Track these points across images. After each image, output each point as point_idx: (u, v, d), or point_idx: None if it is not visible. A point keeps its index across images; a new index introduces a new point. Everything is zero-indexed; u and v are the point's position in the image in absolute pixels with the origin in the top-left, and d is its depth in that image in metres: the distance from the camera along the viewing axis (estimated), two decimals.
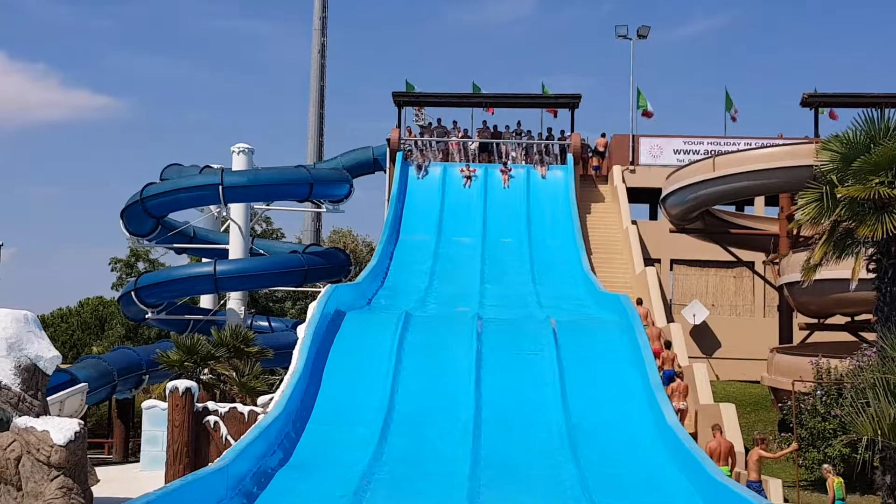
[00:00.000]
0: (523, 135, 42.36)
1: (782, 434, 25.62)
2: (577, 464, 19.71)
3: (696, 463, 18.41)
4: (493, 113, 44.65)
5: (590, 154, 42.79)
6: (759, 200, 43.30)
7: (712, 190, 36.70)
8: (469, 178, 39.52)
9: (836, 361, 25.41)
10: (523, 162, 41.46)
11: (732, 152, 37.50)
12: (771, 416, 29.47)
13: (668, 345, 26.49)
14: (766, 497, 18.78)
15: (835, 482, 19.59)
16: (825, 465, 20.29)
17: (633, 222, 38.51)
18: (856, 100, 37.67)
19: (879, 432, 15.22)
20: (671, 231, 40.90)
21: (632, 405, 22.28)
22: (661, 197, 39.96)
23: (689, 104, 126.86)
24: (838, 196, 18.49)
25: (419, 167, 40.63)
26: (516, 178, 40.34)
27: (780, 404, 29.19)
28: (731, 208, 43.50)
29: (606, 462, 19.87)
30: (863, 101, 35.41)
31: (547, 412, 22.23)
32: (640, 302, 29.52)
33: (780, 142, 38.86)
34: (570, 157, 40.75)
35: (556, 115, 44.57)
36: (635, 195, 42.53)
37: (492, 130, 42.60)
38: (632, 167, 42.74)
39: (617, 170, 41.84)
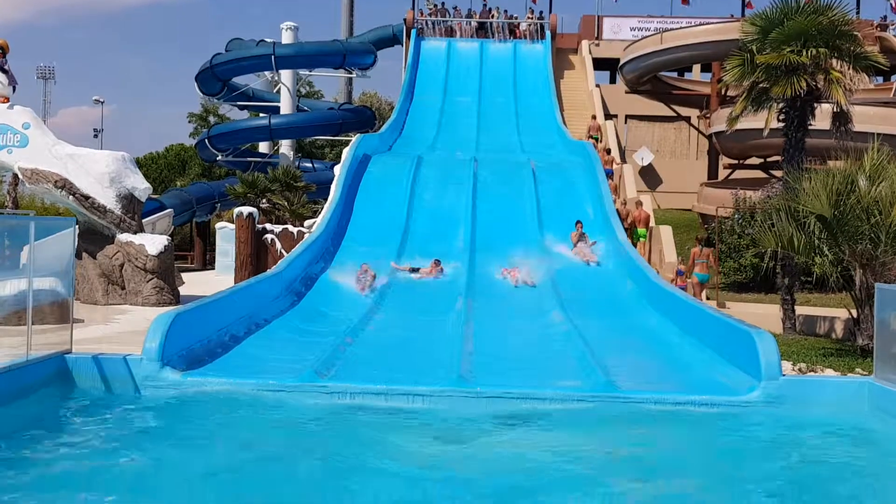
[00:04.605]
0: (512, 17, 41.34)
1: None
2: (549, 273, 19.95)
3: (641, 272, 18.62)
4: None
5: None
6: (697, 67, 42.61)
7: (659, 59, 36.15)
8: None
9: (751, 192, 25.39)
10: (511, 38, 40.61)
11: (676, 29, 36.78)
12: (699, 235, 29.58)
13: (609, 151, 28.69)
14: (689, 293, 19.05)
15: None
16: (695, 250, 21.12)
17: (597, 86, 38.02)
18: None
19: (780, 245, 15.33)
20: (626, 92, 40.47)
21: (592, 227, 22.33)
22: (619, 65, 39.35)
23: None
24: (757, 62, 18.16)
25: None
26: (504, 51, 39.59)
27: (706, 226, 29.32)
28: (674, 74, 42.85)
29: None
30: None
31: (526, 232, 22.36)
32: (594, 117, 32.45)
33: (714, 20, 38.04)
34: (548, 33, 39.92)
35: (535, 1, 43.38)
36: (599, 64, 41.72)
37: (488, 11, 41.48)
38: (596, 42, 41.85)
39: (585, 44, 41.04)
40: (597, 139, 29.53)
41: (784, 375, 11.18)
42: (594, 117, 32.64)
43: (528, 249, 20.73)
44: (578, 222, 21.65)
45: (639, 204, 24.36)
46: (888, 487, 8.22)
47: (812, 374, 12.46)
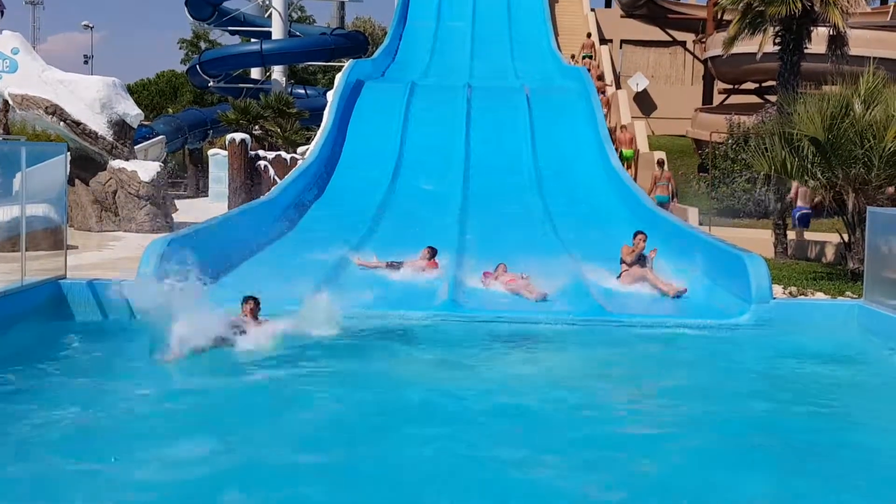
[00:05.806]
0: None
1: (700, 174, 25.75)
2: (543, 198, 19.86)
3: (632, 194, 18.61)
4: None
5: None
6: None
7: None
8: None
9: (745, 118, 25.32)
10: None
11: None
12: (692, 161, 29.52)
13: (601, 77, 28.76)
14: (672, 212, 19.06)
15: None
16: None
17: (592, 10, 37.57)
18: None
19: (773, 168, 15.31)
20: (622, 16, 40.05)
21: (586, 154, 22.25)
22: None
23: None
24: None
25: None
26: None
27: (699, 151, 29.28)
28: None
29: (565, 197, 19.98)
30: None
31: (520, 160, 22.23)
32: (588, 35, 32.81)
33: None
34: None
35: None
36: None
37: None
38: None
39: None
40: (590, 57, 29.48)
41: (775, 299, 11.25)
42: (589, 35, 32.58)
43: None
44: (640, 234, 13.34)
45: (623, 128, 24.35)
46: (876, 406, 8.33)
47: (802, 297, 12.54)
